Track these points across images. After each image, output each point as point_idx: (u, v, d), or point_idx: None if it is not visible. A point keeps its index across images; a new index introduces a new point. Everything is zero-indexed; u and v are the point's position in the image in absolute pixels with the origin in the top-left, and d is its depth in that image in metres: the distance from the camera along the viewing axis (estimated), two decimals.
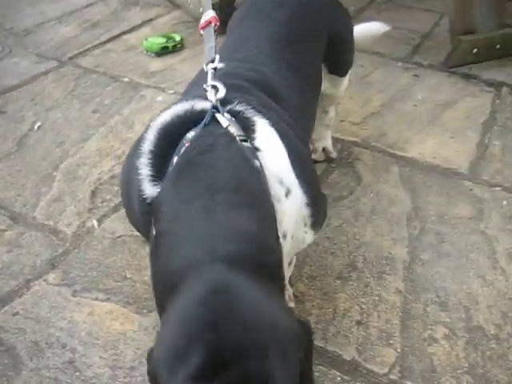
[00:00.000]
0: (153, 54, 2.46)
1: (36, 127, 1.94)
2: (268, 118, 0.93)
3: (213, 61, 1.00)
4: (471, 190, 1.70)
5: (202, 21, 1.13)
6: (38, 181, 1.69)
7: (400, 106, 2.15)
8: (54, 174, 1.72)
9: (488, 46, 2.43)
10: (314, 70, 1.34)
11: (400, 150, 1.87)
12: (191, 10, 2.81)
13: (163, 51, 2.46)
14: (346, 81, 1.62)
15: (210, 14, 1.13)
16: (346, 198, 1.65)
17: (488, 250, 1.47)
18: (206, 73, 0.98)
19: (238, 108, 0.93)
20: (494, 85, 2.31)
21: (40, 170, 1.73)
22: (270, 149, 0.90)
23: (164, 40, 2.49)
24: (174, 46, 2.49)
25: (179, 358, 0.60)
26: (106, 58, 2.44)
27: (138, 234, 1.44)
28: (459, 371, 1.16)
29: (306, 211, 0.95)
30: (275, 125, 0.94)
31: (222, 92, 0.91)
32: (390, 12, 3.08)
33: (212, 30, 1.11)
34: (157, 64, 2.39)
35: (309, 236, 1.02)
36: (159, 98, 2.12)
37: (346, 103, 2.12)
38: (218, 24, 1.12)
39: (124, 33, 2.68)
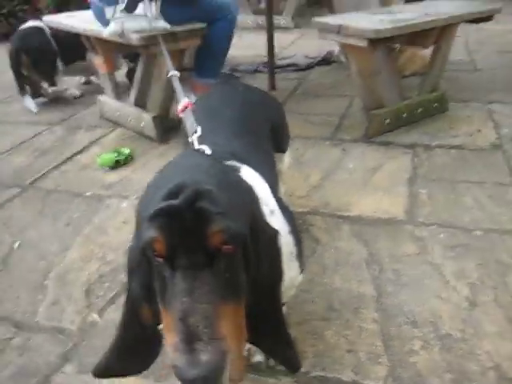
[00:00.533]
0: (107, 168, 2.69)
1: (15, 246, 2.08)
2: (250, 166, 1.18)
3: (196, 131, 1.26)
4: (412, 232, 1.99)
5: (180, 106, 1.40)
6: (32, 291, 1.81)
7: (336, 176, 2.48)
8: (45, 282, 1.85)
9: (397, 115, 2.86)
10: (266, 147, 1.62)
11: (345, 212, 2.16)
12: (132, 126, 3.11)
13: (117, 165, 2.70)
14: (287, 157, 1.92)
15: (185, 101, 1.40)
16: (310, 256, 1.88)
17: (438, 275, 1.74)
18: (191, 143, 1.23)
19: (224, 161, 1.12)
20: (409, 146, 2.71)
21: (30, 282, 1.86)
22: (255, 181, 1.13)
23: (115, 154, 2.73)
24: (125, 159, 2.74)
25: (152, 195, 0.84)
26: (65, 178, 2.64)
27: None
28: (440, 371, 1.37)
29: (289, 238, 1.18)
30: (256, 170, 1.19)
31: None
32: (307, 101, 3.52)
33: (189, 112, 1.37)
34: (113, 176, 2.62)
35: (295, 268, 1.22)
36: (124, 205, 2.33)
37: (290, 181, 2.41)
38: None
39: (75, 154, 2.92)
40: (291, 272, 1.21)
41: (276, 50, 3.99)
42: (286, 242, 1.19)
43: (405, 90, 3.00)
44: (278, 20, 5.98)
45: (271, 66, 3.77)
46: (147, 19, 2.52)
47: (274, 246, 0.97)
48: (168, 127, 3.02)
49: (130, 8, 2.43)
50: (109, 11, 2.56)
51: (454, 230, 1.98)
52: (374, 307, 1.62)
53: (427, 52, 3.08)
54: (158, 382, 1.42)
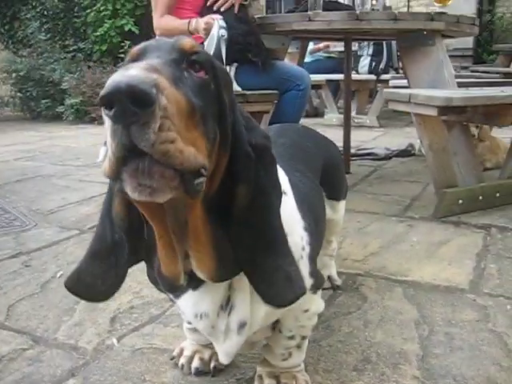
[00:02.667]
0: None
1: (58, 275, 2.07)
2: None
3: None
4: (474, 300, 1.77)
5: None
6: (60, 312, 1.77)
7: (397, 247, 2.31)
8: (75, 307, 1.80)
9: (471, 197, 2.69)
10: (312, 178, 1.53)
11: (401, 276, 1.98)
12: None
13: None
14: (342, 206, 1.81)
15: None
16: (354, 312, 1.71)
17: (499, 343, 1.50)
18: None
19: None
20: (482, 227, 2.50)
21: (61, 305, 1.82)
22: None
23: None
24: None
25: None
26: None
27: (157, 345, 1.51)
28: None
29: (303, 234, 1.10)
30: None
31: None
32: (380, 185, 3.43)
33: None
34: None
35: (304, 271, 1.08)
36: None
37: (347, 247, 2.29)
38: None
39: None
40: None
41: (357, 143, 4.00)
42: (299, 235, 1.09)
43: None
44: (363, 119, 6.06)
45: (347, 150, 3.75)
46: None
47: (266, 151, 0.95)
48: None
49: None
50: None
51: None
52: (416, 365, 1.40)
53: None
54: None
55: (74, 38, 7.90)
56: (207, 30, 2.54)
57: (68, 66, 7.24)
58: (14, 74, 7.14)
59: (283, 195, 1.05)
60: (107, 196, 1.00)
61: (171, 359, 1.45)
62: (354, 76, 5.95)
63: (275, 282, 0.94)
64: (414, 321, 1.64)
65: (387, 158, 4.24)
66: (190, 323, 1.36)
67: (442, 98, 2.30)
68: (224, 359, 1.14)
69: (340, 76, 6.30)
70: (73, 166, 4.31)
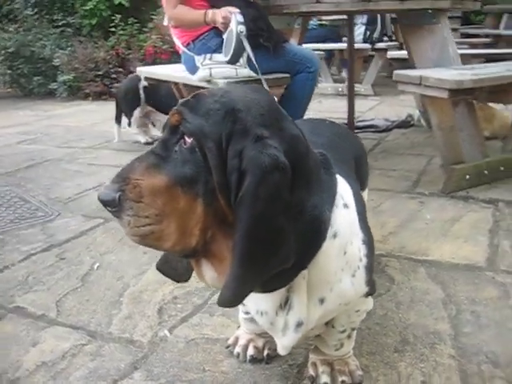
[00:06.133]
0: None
1: (95, 267, 2.17)
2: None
3: None
4: (493, 278, 1.91)
5: None
6: (107, 306, 1.87)
7: (413, 225, 2.44)
8: (121, 299, 1.91)
9: (477, 172, 2.81)
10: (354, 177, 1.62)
11: (422, 256, 2.11)
12: None
13: None
14: (366, 195, 1.91)
15: None
16: (384, 294, 1.84)
17: None
18: None
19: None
20: (490, 202, 2.63)
21: (107, 298, 1.93)
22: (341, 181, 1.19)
23: None
24: None
25: None
26: None
27: (208, 335, 1.62)
28: None
29: (362, 246, 1.18)
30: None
31: None
32: (385, 159, 3.54)
33: None
34: None
35: (361, 280, 1.20)
36: None
37: None
38: None
39: None
40: (357, 282, 1.20)
41: (355, 114, 4.08)
42: (357, 247, 1.19)
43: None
44: (358, 88, 6.11)
45: (351, 126, 3.84)
46: (233, 67, 2.67)
47: (267, 174, 0.94)
48: None
49: (233, 61, 2.60)
50: (199, 59, 2.75)
51: None
52: (450, 344, 1.54)
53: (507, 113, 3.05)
54: None
55: (62, 12, 7.76)
56: (225, 24, 2.59)
57: (58, 41, 7.15)
58: (2, 51, 7.02)
59: (345, 208, 1.15)
60: None
61: (226, 347, 1.57)
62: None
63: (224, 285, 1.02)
64: (441, 300, 1.77)
65: (388, 129, 4.33)
66: (247, 313, 1.46)
67: (452, 80, 2.39)
68: (282, 351, 1.26)
69: (335, 45, 6.36)
70: (78, 148, 4.34)
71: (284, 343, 1.23)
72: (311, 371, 1.41)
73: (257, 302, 1.21)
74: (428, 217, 2.52)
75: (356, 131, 4.12)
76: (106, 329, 1.73)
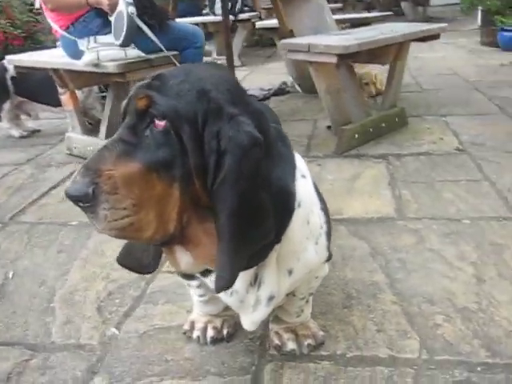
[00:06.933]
0: None
1: (10, 276, 2.00)
2: None
3: None
4: (405, 225, 2.09)
5: None
6: (39, 314, 1.75)
7: (319, 187, 2.55)
8: (52, 305, 1.79)
9: (364, 130, 3.01)
10: None
11: (337, 215, 2.23)
12: None
13: None
14: None
15: None
16: None
17: (441, 259, 1.83)
18: None
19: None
20: (380, 157, 2.85)
21: (35, 306, 1.80)
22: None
23: None
24: None
25: None
26: (45, 211, 2.58)
27: (159, 325, 1.59)
28: (468, 338, 1.44)
29: (320, 213, 1.24)
30: None
31: None
32: None
33: None
34: None
35: (323, 247, 1.26)
36: None
37: None
38: None
39: (51, 189, 2.86)
40: (319, 249, 1.25)
41: None
42: (317, 215, 1.24)
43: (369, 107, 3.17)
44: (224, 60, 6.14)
45: None
46: (122, 48, 2.56)
47: (248, 152, 0.94)
48: None
49: (126, 43, 2.48)
50: (82, 43, 2.59)
51: (443, 220, 2.10)
52: (390, 292, 1.68)
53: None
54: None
55: None
56: (112, 6, 2.45)
57: None
58: None
59: (303, 179, 1.19)
60: None
61: (184, 333, 1.55)
62: (213, 18, 5.98)
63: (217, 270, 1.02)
64: (369, 253, 1.91)
65: (266, 98, 4.44)
66: (201, 296, 1.46)
67: (340, 46, 2.52)
68: (251, 327, 1.29)
69: (199, 19, 6.30)
70: None
71: (254, 319, 1.25)
72: (276, 340, 1.45)
73: None
74: (330, 177, 2.66)
75: None
76: (46, 339, 1.62)
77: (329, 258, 1.34)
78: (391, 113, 3.21)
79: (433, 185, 2.45)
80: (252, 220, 0.99)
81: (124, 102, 1.03)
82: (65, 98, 3.23)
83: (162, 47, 2.49)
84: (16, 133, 3.85)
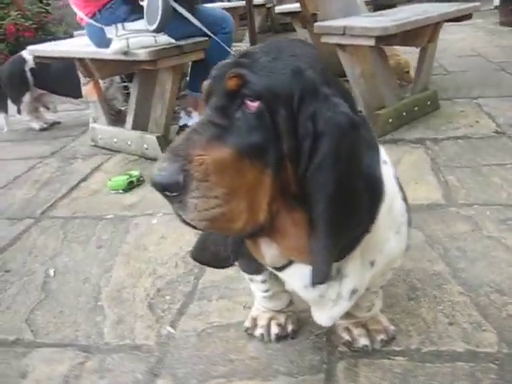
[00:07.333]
0: (120, 191, 2.58)
1: (52, 273, 1.94)
2: None
3: None
4: (458, 212, 2.01)
5: None
6: (88, 314, 1.69)
7: None
8: (99, 303, 1.73)
9: (398, 114, 2.92)
10: None
11: None
12: (134, 149, 3.02)
13: (129, 186, 2.60)
14: None
15: None
16: None
17: (501, 246, 1.76)
18: None
19: None
20: (418, 142, 2.76)
21: (82, 305, 1.74)
22: None
23: (126, 177, 2.64)
24: (138, 180, 2.66)
25: None
26: (77, 205, 2.52)
27: (218, 322, 1.53)
28: None
29: (402, 203, 1.17)
30: None
31: None
32: None
33: None
34: (130, 198, 2.52)
35: (404, 237, 1.20)
36: (154, 221, 2.24)
37: None
38: None
39: (80, 181, 2.80)
40: (401, 239, 1.19)
41: None
42: (399, 203, 1.17)
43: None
44: (240, 47, 6.05)
45: None
46: (151, 35, 2.48)
47: (346, 134, 0.89)
48: None
49: (161, 29, 2.40)
50: (110, 30, 2.51)
51: (496, 206, 2.02)
52: (454, 282, 1.61)
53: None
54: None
55: None
56: None
57: None
58: None
59: (384, 164, 1.12)
60: None
61: (245, 331, 1.49)
62: (228, 4, 5.85)
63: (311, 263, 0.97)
64: (425, 242, 1.83)
65: None
66: (266, 291, 1.39)
67: (379, 28, 2.43)
68: (327, 322, 1.23)
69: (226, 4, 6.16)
70: None
71: (334, 314, 1.19)
72: (346, 336, 1.39)
73: (305, 276, 1.14)
74: None
75: None
76: (99, 339, 1.57)
77: (407, 248, 1.27)
78: (423, 96, 3.12)
79: (478, 169, 2.37)
80: (349, 207, 0.93)
81: (206, 83, 0.96)
82: (88, 88, 3.16)
83: (205, 29, 2.41)
84: (36, 125, 3.78)
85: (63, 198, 2.62)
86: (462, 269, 1.67)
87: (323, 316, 1.22)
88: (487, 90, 3.57)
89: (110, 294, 1.78)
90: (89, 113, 3.52)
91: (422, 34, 2.78)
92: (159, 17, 2.32)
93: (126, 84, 3.57)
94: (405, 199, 1.21)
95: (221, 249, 1.11)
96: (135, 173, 2.70)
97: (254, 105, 0.87)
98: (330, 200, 0.89)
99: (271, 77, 0.88)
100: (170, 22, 2.40)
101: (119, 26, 2.48)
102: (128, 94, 3.54)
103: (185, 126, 3.10)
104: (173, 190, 0.84)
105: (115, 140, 3.10)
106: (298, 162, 0.90)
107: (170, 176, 0.83)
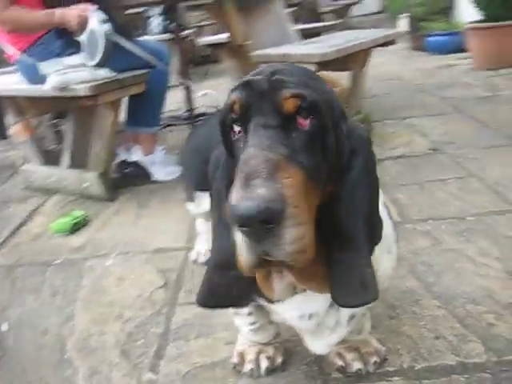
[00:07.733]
0: (65, 234, 2.45)
1: (5, 328, 1.79)
2: None
3: None
4: (415, 228, 2.08)
5: None
6: (55, 369, 1.56)
7: None
8: (66, 356, 1.61)
9: None
10: None
11: None
12: (72, 189, 2.87)
13: (75, 227, 2.48)
14: None
15: None
16: None
17: (464, 258, 1.82)
18: None
19: None
20: None
21: (46, 360, 1.60)
22: None
23: (70, 218, 2.51)
24: (84, 219, 2.53)
25: None
26: (21, 251, 2.35)
27: (201, 362, 1.46)
28: None
29: (389, 221, 1.19)
30: None
31: None
32: None
33: None
34: (77, 240, 2.39)
35: (394, 254, 1.21)
36: (109, 262, 2.13)
37: None
38: None
39: (19, 226, 2.62)
40: (392, 258, 1.21)
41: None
42: (387, 223, 1.18)
43: None
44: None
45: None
46: (89, 69, 2.40)
47: (371, 150, 0.97)
48: (113, 184, 2.86)
49: (103, 63, 2.31)
50: (45, 66, 2.40)
51: (449, 219, 2.10)
52: (429, 296, 1.64)
53: None
54: None
55: None
56: (81, 24, 2.27)
57: None
58: None
59: None
60: (217, 208, 1.01)
61: (233, 368, 1.43)
62: (158, 37, 5.78)
63: (350, 283, 0.95)
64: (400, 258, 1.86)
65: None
66: (252, 324, 1.34)
67: (318, 54, 2.50)
68: (323, 350, 1.22)
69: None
70: None
71: (331, 341, 1.18)
72: (339, 361, 1.37)
73: (301, 306, 1.12)
74: None
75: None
76: None
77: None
78: (357, 120, 3.22)
79: (423, 186, 2.46)
80: (375, 221, 0.98)
81: (239, 99, 0.88)
82: (17, 128, 2.99)
83: (150, 57, 2.36)
84: None
85: (3, 245, 2.44)
86: (432, 283, 1.71)
87: (319, 344, 1.20)
88: (413, 110, 3.76)
89: (76, 344, 1.66)
90: (15, 154, 3.34)
91: (357, 59, 2.88)
92: (102, 51, 2.25)
93: (55, 121, 3.43)
94: (390, 217, 1.22)
95: (232, 289, 1.03)
96: (79, 213, 2.57)
97: (305, 123, 0.86)
98: (368, 215, 0.92)
99: (318, 94, 0.88)
100: (111, 56, 2.33)
101: (56, 61, 2.38)
102: (58, 131, 3.41)
103: (124, 161, 3.01)
104: (274, 221, 0.73)
105: (52, 180, 2.94)
106: (336, 180, 0.92)
107: (273, 203, 0.72)
